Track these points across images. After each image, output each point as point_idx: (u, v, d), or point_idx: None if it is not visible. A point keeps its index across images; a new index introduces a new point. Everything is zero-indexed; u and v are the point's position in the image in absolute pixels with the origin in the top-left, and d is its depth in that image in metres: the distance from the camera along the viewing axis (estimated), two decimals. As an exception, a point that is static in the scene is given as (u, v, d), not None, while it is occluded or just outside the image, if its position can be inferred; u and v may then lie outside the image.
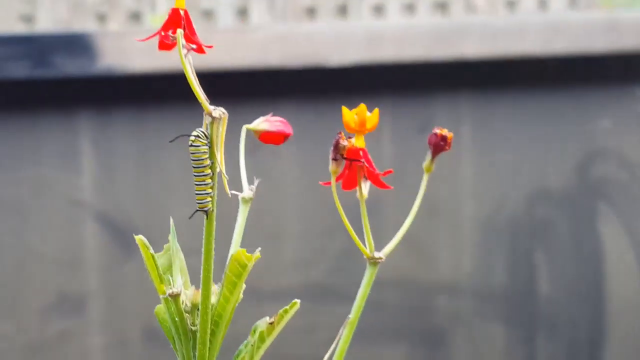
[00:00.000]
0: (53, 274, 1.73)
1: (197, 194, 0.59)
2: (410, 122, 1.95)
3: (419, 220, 2.00)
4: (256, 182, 0.66)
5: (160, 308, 0.61)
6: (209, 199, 0.59)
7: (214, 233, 0.59)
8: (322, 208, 1.89)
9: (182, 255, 0.62)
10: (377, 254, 0.64)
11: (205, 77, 1.55)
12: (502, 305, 1.99)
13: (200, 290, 0.60)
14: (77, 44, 1.69)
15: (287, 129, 0.64)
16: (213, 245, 0.59)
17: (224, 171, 0.58)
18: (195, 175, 0.58)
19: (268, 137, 0.64)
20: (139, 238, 0.61)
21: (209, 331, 0.59)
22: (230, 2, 4.06)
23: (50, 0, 3.87)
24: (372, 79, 1.90)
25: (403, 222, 2.02)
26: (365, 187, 0.66)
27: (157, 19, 3.81)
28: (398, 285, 1.95)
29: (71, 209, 1.73)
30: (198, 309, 0.60)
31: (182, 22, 0.56)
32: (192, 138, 0.58)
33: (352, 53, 1.87)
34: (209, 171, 0.58)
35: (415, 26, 1.97)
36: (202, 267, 0.60)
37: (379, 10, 4.17)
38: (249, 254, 0.61)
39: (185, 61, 0.56)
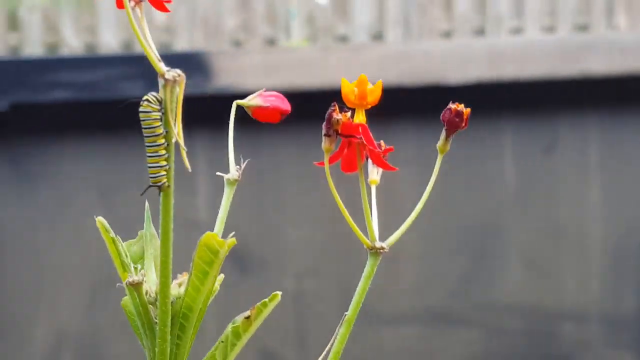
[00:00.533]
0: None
1: (149, 166, 0.53)
2: (534, 142, 1.89)
3: (543, 244, 1.94)
4: (244, 163, 0.62)
5: (128, 300, 0.57)
6: (163, 172, 0.53)
7: (171, 211, 0.54)
8: (442, 229, 1.85)
9: (158, 243, 0.57)
10: (379, 244, 0.58)
11: (326, 95, 1.53)
12: (632, 332, 1.91)
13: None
14: (192, 63, 1.69)
15: (284, 104, 0.59)
16: (171, 226, 0.54)
17: (182, 142, 0.53)
18: (147, 146, 0.53)
19: (262, 114, 0.59)
20: (99, 219, 0.57)
21: (169, 324, 0.55)
22: (365, 27, 4.05)
23: (187, 28, 3.93)
24: (493, 98, 1.85)
25: (527, 246, 1.96)
26: (377, 172, 0.61)
27: (292, 45, 3.83)
28: (522, 310, 1.89)
29: (186, 228, 1.73)
30: None
31: None
32: (144, 104, 0.52)
33: (472, 71, 1.83)
34: (163, 141, 0.53)
35: (538, 43, 1.92)
36: (160, 252, 0.55)
37: (517, 32, 4.10)
38: (221, 240, 0.56)
39: (132, 15, 0.51)
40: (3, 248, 1.73)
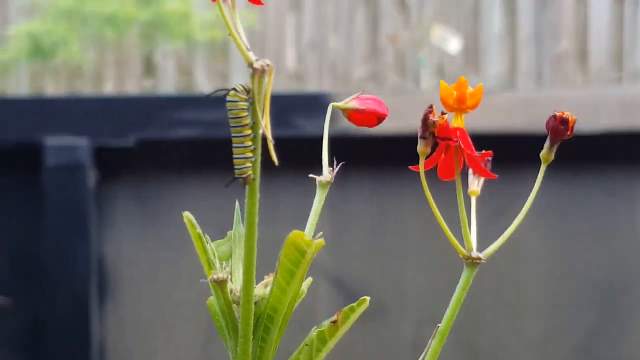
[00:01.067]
0: (285, 332, 1.72)
1: (235, 158, 0.51)
2: (668, 193, 1.83)
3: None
4: (337, 166, 0.60)
5: (213, 299, 0.55)
6: (249, 164, 0.51)
7: (257, 205, 0.52)
8: (568, 282, 1.80)
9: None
10: (475, 254, 0.56)
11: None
12: None
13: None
14: (315, 104, 1.69)
15: (381, 108, 0.57)
16: (256, 220, 0.52)
17: (269, 134, 0.51)
18: (233, 137, 0.51)
19: (358, 118, 0.57)
20: (186, 214, 0.55)
21: (251, 321, 0.52)
22: (496, 78, 4.02)
23: (316, 75, 3.96)
24: (626, 147, 1.80)
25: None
26: (477, 183, 0.59)
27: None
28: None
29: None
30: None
31: None
32: (231, 92, 0.51)
33: (605, 119, 1.78)
34: (249, 132, 0.51)
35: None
36: (244, 247, 0.53)
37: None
38: (309, 239, 0.53)
39: (224, 6, 0.50)
40: (125, 283, 1.75)
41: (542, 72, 4.04)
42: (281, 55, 4.12)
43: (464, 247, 0.56)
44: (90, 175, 1.69)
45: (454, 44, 3.96)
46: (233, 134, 0.50)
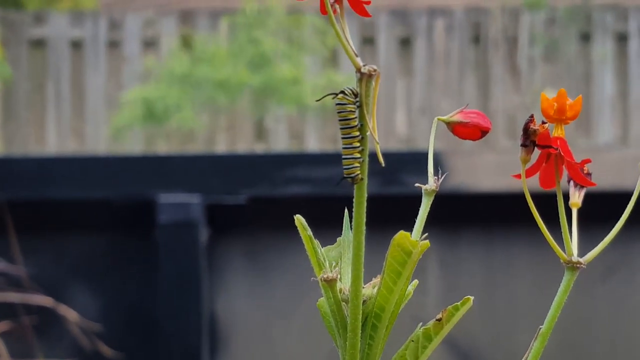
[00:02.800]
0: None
1: (344, 158, 0.53)
2: None
3: None
4: (442, 176, 0.61)
5: (323, 301, 0.56)
6: (357, 164, 0.53)
7: (364, 204, 0.53)
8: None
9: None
10: (575, 258, 0.56)
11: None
12: None
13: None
14: (426, 162, 1.70)
15: (484, 122, 0.58)
16: (364, 219, 0.54)
17: (375, 135, 0.53)
18: (342, 138, 0.53)
19: (462, 131, 0.58)
20: (297, 217, 0.57)
21: (359, 317, 0.53)
22: (607, 142, 3.98)
23: (426, 137, 3.96)
24: None
25: None
26: (578, 195, 0.59)
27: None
28: None
29: (415, 326, 1.71)
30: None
31: None
32: (340, 95, 0.52)
33: None
34: (357, 133, 0.53)
35: None
36: (352, 246, 0.54)
37: None
38: (414, 240, 0.54)
39: (335, 17, 0.52)
40: (236, 338, 1.76)
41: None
42: (391, 119, 4.15)
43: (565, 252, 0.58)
44: (203, 232, 1.72)
45: (564, 108, 3.94)
46: (342, 136, 0.53)
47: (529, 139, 0.55)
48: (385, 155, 1.66)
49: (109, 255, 1.78)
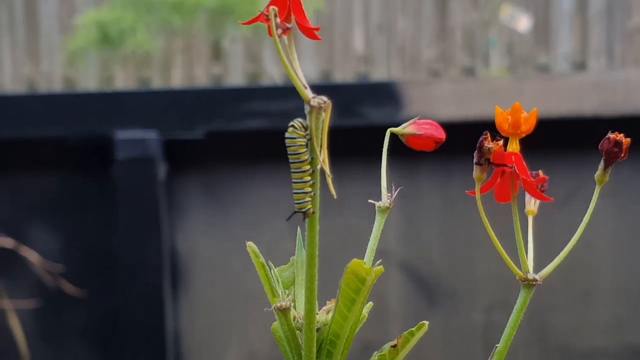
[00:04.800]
0: (364, 325, 1.73)
1: (294, 192, 0.53)
2: None
3: None
4: (395, 191, 0.61)
5: (277, 325, 0.57)
6: (308, 198, 0.53)
7: (316, 237, 0.53)
8: (641, 266, 1.78)
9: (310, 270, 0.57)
10: (532, 275, 0.57)
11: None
12: None
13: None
14: (382, 93, 1.69)
15: (438, 132, 0.58)
16: (316, 252, 0.54)
17: (327, 168, 0.52)
18: (292, 172, 0.52)
19: (416, 142, 0.58)
20: (249, 245, 0.57)
21: (314, 349, 0.54)
22: (567, 56, 3.97)
23: (385, 58, 3.95)
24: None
25: None
26: (534, 202, 0.59)
27: (490, 74, 3.79)
28: None
29: (376, 258, 1.72)
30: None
31: (287, 2, 0.52)
32: (289, 129, 0.52)
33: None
34: (308, 167, 0.52)
35: None
36: (304, 278, 0.54)
37: None
38: (368, 267, 0.55)
39: (279, 42, 0.50)
40: (197, 273, 1.77)
41: (613, 49, 3.99)
42: (349, 38, 4.12)
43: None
44: (161, 168, 1.71)
45: (523, 23, 3.92)
46: (292, 170, 0.52)
47: (484, 157, 0.55)
48: (342, 87, 1.67)
49: (67, 194, 1.76)
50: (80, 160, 1.75)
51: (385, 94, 1.69)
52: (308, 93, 0.50)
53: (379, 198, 0.60)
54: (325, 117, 0.51)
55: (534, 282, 0.57)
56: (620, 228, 1.78)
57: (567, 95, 1.73)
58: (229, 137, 1.72)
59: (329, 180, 0.53)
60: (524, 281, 0.57)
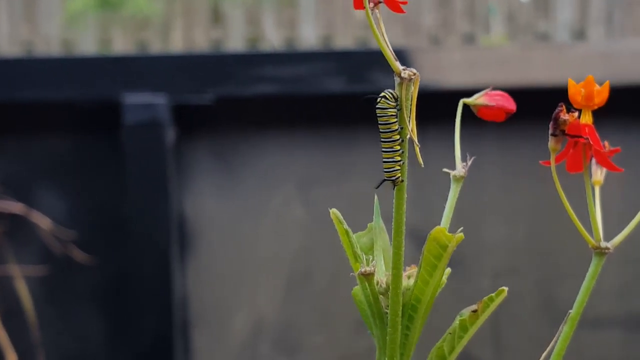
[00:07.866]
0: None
1: (384, 161, 0.54)
2: None
3: None
4: (469, 160, 0.62)
5: (358, 289, 0.58)
6: (398, 167, 0.54)
7: (404, 205, 0.54)
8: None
9: (386, 236, 0.58)
10: (603, 244, 0.58)
11: (528, 94, 1.50)
12: None
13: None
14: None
15: (509, 104, 0.59)
16: (404, 219, 0.55)
17: (415, 138, 0.53)
18: (382, 141, 0.53)
19: (487, 113, 0.59)
20: (333, 211, 0.58)
21: (400, 313, 0.55)
22: (566, 25, 3.97)
23: (386, 24, 3.93)
24: None
25: None
26: (600, 172, 0.60)
27: (490, 41, 3.78)
28: None
29: (386, 224, 1.73)
30: None
31: None
32: (381, 100, 0.53)
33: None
34: (398, 137, 0.53)
35: None
36: (392, 244, 0.56)
37: None
38: (450, 234, 0.56)
39: (371, 15, 0.52)
40: (206, 237, 1.77)
41: (613, 18, 3.99)
42: (349, 3, 4.11)
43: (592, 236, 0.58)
44: (169, 132, 1.71)
45: (523, -11, 3.92)
46: (382, 139, 0.53)
47: (559, 128, 0.55)
48: (351, 54, 1.67)
49: (75, 157, 1.76)
50: (90, 124, 1.75)
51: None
52: (398, 65, 0.52)
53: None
54: (415, 89, 0.52)
55: (606, 250, 0.58)
56: (628, 201, 1.79)
57: (573, 65, 1.73)
58: (240, 102, 1.72)
59: (417, 150, 0.54)
60: (596, 249, 0.58)
